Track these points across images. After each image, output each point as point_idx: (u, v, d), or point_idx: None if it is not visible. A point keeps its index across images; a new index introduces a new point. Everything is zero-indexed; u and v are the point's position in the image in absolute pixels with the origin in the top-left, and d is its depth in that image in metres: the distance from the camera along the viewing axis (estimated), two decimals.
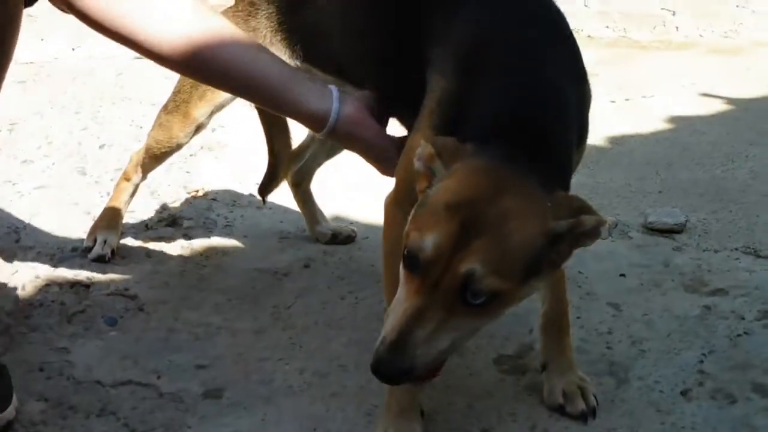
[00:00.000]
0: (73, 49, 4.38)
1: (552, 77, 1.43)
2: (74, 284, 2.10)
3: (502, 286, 1.24)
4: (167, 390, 1.72)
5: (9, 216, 2.47)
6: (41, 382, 1.72)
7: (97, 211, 2.47)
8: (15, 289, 2.06)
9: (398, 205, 1.54)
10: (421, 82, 1.52)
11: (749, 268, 2.23)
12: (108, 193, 2.62)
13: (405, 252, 1.28)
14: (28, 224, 2.42)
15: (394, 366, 1.24)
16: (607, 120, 3.41)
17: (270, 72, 1.61)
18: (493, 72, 1.43)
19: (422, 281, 1.25)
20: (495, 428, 1.62)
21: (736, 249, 2.34)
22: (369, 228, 2.46)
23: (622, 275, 2.20)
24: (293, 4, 1.88)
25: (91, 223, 2.38)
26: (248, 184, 2.74)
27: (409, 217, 1.33)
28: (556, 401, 1.66)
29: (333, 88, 1.63)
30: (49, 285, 2.09)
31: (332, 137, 1.63)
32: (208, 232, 2.44)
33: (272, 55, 1.69)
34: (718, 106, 3.69)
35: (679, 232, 2.43)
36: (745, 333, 1.92)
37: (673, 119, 3.50)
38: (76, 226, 2.42)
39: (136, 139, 3.13)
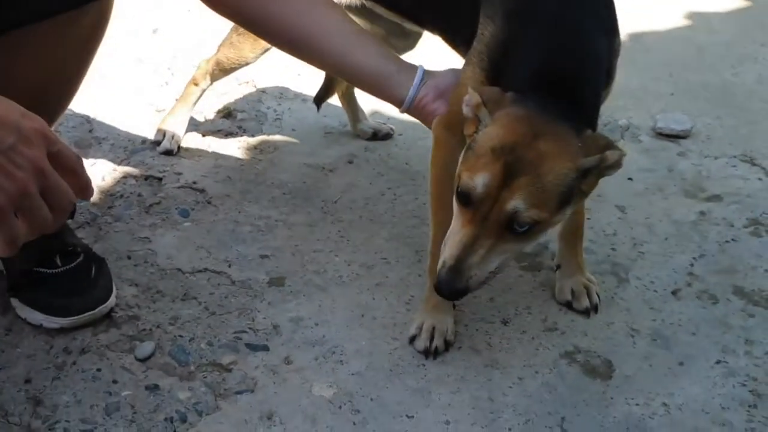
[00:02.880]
0: None
1: (587, 32, 1.63)
2: (148, 177, 2.38)
3: (541, 216, 1.50)
4: (238, 278, 2.03)
5: (79, 106, 2.71)
6: (131, 269, 2.03)
7: (159, 102, 2.74)
8: (96, 180, 2.35)
9: (448, 128, 1.76)
10: (475, 21, 1.72)
11: (744, 175, 2.50)
12: (166, 83, 2.89)
13: (458, 189, 1.54)
14: (98, 115, 2.67)
15: (454, 286, 1.53)
16: (629, 16, 3.58)
17: (362, 59, 1.78)
18: (535, 24, 1.63)
19: (473, 214, 1.51)
20: (512, 319, 1.94)
21: (735, 156, 2.60)
22: (403, 124, 2.72)
23: (630, 179, 2.47)
24: None
25: (153, 114, 2.65)
26: (293, 77, 2.97)
27: (460, 159, 1.58)
28: (565, 298, 1.97)
29: (419, 72, 1.79)
30: (126, 177, 2.37)
31: (409, 114, 1.83)
32: (260, 125, 2.70)
33: (363, 35, 1.83)
34: (735, 2, 3.84)
35: (684, 137, 2.68)
36: (732, 240, 2.21)
37: (691, 16, 3.66)
38: (142, 117, 2.67)
39: (186, 24, 3.33)
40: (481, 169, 1.50)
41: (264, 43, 2.25)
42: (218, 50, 2.39)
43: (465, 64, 1.76)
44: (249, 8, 1.78)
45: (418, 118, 1.85)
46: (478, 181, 1.50)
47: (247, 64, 2.36)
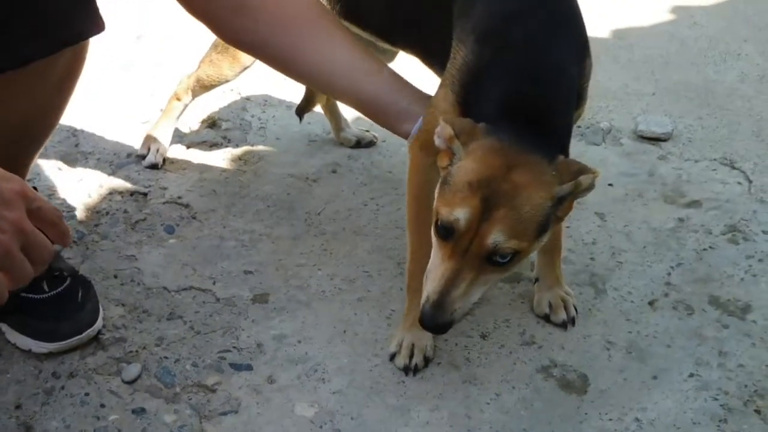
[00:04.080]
0: None
1: (557, 57, 1.64)
2: (134, 193, 2.41)
3: (521, 246, 1.53)
4: (222, 295, 2.07)
5: (64, 119, 2.71)
6: (117, 289, 2.07)
7: (144, 113, 2.77)
8: (82, 197, 2.38)
9: (423, 148, 1.79)
10: (448, 43, 1.74)
11: (724, 179, 2.53)
12: (151, 94, 2.91)
13: (438, 224, 1.57)
14: (84, 127, 2.70)
15: (439, 321, 1.57)
16: (612, 10, 3.62)
17: (378, 93, 1.81)
18: (505, 50, 1.65)
19: (453, 248, 1.54)
20: (491, 333, 1.98)
21: (715, 159, 2.63)
22: (386, 131, 2.72)
23: (610, 185, 2.50)
24: None
25: (139, 125, 2.68)
26: (277, 84, 2.99)
27: (436, 192, 1.61)
28: (542, 311, 2.01)
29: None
30: (112, 193, 2.40)
31: None
32: (244, 134, 2.73)
33: (375, 65, 1.84)
34: None
35: (665, 140, 2.71)
36: (710, 247, 2.25)
37: (675, 10, 3.67)
38: (127, 129, 2.69)
39: (171, 31, 3.34)
40: (459, 204, 1.53)
41: (243, 62, 2.28)
42: (198, 67, 2.41)
43: (439, 86, 1.78)
44: (268, 46, 1.82)
45: None
46: (458, 215, 1.53)
47: (227, 81, 2.39)
